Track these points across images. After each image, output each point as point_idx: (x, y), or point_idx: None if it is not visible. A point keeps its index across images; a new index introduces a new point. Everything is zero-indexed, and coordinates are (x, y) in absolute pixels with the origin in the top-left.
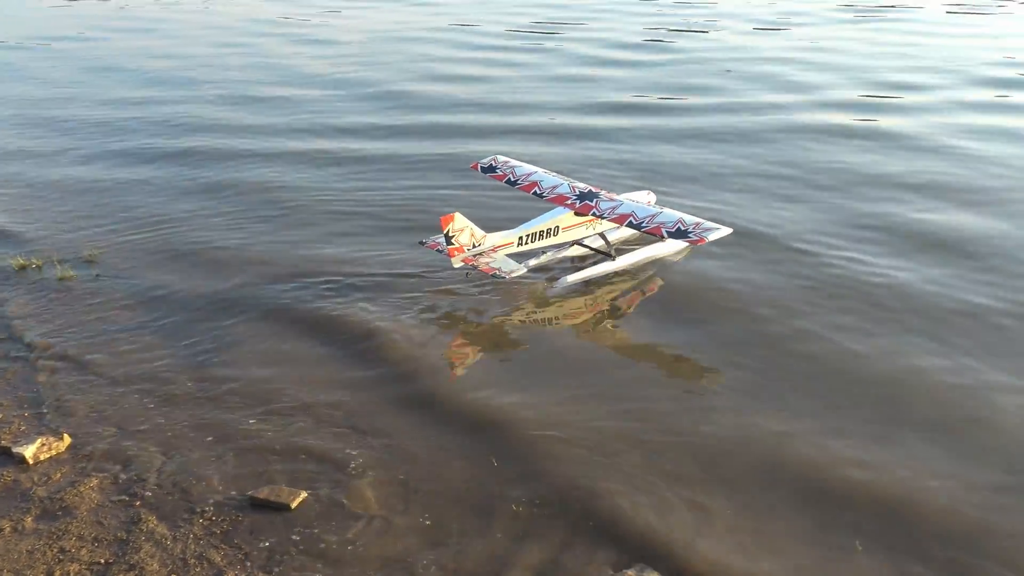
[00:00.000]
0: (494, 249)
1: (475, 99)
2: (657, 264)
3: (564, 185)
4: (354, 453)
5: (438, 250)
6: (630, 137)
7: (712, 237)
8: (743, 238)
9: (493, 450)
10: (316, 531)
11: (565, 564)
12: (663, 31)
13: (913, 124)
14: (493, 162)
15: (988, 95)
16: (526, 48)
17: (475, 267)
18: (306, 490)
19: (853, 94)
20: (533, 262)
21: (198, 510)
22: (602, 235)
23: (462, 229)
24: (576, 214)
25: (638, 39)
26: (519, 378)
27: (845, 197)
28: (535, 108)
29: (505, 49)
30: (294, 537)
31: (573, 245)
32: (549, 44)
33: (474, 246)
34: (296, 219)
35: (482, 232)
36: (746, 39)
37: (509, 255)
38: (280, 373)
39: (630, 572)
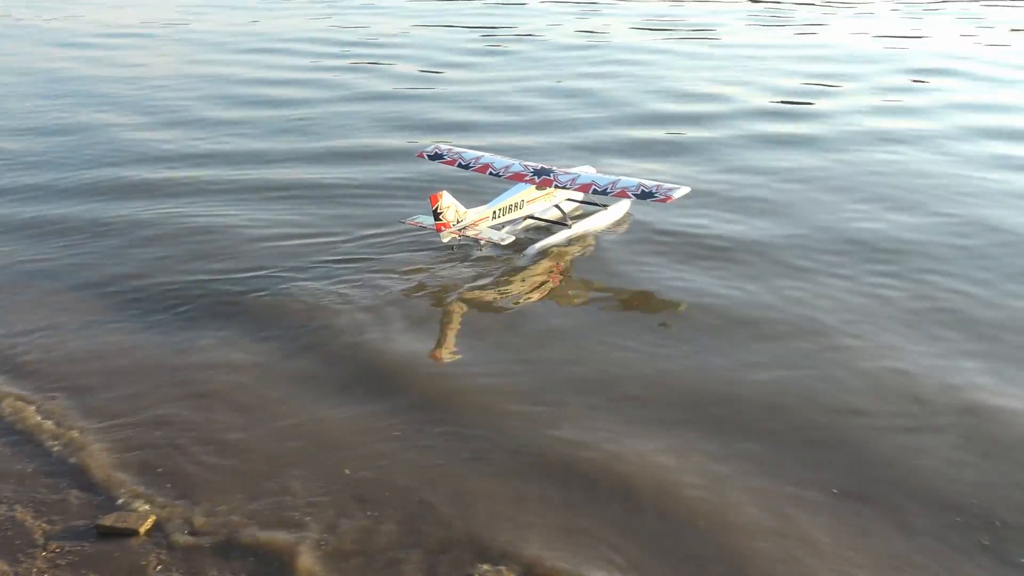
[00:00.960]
0: (475, 223)
1: (193, 150)
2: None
3: (516, 164)
4: (200, 467)
5: (421, 227)
6: (333, 194)
7: (677, 195)
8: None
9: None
10: (168, 554)
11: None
12: (467, 51)
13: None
14: (437, 149)
15: (772, 126)
16: (346, 68)
17: (466, 238)
18: (155, 513)
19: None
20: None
21: (40, 543)
22: (558, 206)
23: (449, 206)
24: (538, 188)
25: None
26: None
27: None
28: (254, 157)
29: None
30: (143, 563)
31: (526, 220)
32: (369, 64)
33: (458, 222)
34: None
35: (464, 208)
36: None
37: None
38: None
39: (485, 566)
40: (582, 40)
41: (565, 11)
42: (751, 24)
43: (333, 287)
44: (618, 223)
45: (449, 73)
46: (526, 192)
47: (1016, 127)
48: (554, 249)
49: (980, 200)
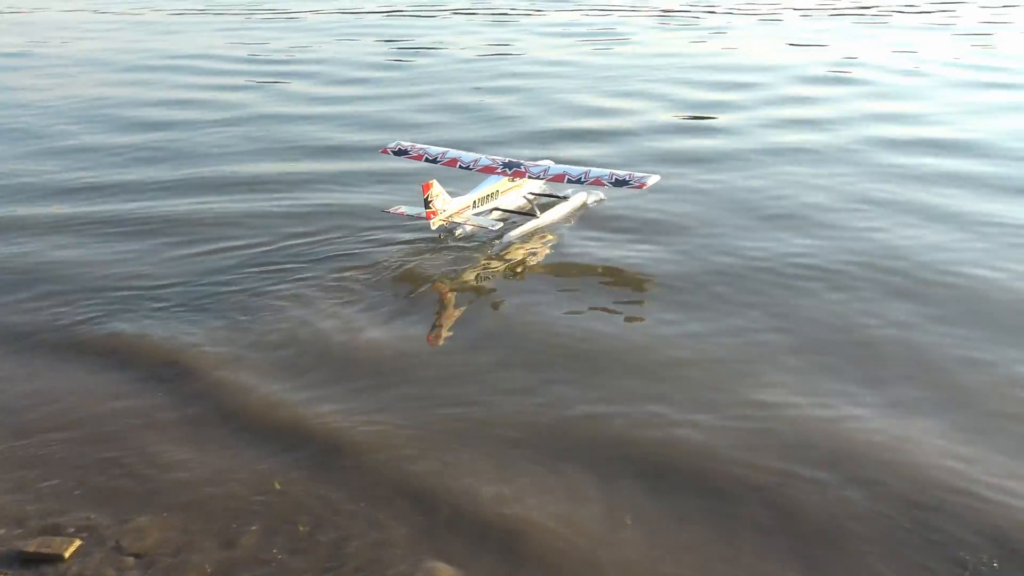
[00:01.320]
0: (459, 212)
1: (61, 181)
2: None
3: (484, 158)
4: (123, 490)
5: (405, 215)
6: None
7: (650, 182)
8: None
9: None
10: None
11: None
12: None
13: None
14: (400, 146)
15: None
16: (248, 86)
17: (456, 225)
18: (79, 537)
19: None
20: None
21: None
22: (525, 197)
23: (438, 195)
24: (511, 180)
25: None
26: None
27: None
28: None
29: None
30: None
31: (493, 211)
32: (277, 80)
33: (443, 210)
34: None
35: (449, 198)
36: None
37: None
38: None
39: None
40: (487, 52)
41: (473, 22)
42: (660, 33)
43: (232, 317)
44: (578, 212)
45: (345, 90)
46: (500, 183)
47: (924, 136)
48: (520, 248)
49: (883, 214)
